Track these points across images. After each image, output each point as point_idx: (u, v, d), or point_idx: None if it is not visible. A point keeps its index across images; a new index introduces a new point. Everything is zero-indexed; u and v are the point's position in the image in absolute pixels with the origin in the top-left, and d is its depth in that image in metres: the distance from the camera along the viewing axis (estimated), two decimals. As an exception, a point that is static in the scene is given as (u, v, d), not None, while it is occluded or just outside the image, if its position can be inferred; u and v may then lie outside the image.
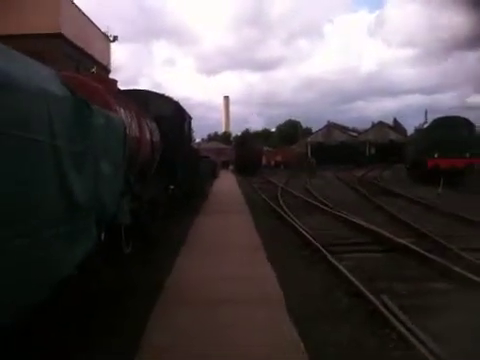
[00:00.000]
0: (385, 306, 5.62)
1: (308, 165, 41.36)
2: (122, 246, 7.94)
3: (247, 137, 62.52)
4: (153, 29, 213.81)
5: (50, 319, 4.63)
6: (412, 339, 4.64)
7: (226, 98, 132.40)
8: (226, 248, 9.72)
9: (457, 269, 7.19)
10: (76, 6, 23.64)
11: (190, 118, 17.79)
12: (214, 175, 38.68)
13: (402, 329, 4.89)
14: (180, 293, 6.55)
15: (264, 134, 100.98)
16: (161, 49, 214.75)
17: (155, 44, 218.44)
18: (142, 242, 9.07)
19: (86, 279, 5.56)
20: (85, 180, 4.98)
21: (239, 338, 4.94)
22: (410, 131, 53.16)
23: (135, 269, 7.63)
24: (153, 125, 11.51)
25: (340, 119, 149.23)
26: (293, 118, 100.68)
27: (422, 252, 8.48)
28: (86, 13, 24.91)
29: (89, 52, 24.15)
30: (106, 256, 6.56)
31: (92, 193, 5.23)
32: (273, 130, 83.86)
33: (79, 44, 22.90)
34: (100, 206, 5.64)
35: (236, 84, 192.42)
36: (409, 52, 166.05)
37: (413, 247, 8.92)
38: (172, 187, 13.18)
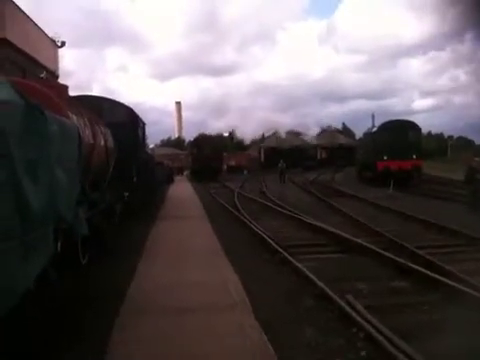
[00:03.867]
0: (351, 306, 5.66)
1: (279, 170, 36.96)
2: (79, 256, 7.69)
3: (205, 139, 52.55)
4: (106, 35, 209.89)
5: (6, 336, 4.37)
6: (380, 338, 4.68)
7: (178, 103, 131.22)
8: (187, 254, 9.57)
9: (415, 267, 7.37)
10: (22, 11, 22.82)
11: (144, 124, 17.54)
12: (169, 181, 38.26)
13: (369, 328, 4.93)
14: (143, 302, 6.35)
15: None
16: (114, 54, 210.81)
17: (108, 49, 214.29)
18: (99, 251, 8.80)
19: (43, 292, 5.30)
20: (40, 189, 4.75)
21: (207, 345, 4.83)
22: (358, 135, 54.76)
23: (94, 279, 7.38)
24: (107, 131, 11.24)
25: (292, 123, 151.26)
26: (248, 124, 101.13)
27: (380, 251, 8.66)
28: (36, 18, 24.12)
29: (36, 57, 23.35)
30: (63, 267, 6.30)
31: (48, 202, 5.00)
32: (226, 134, 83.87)
33: (25, 49, 22.09)
34: (56, 215, 5.41)
35: (190, 89, 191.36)
36: (356, 58, 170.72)
37: (371, 247, 9.09)
38: (127, 194, 12.91)
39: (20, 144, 4.28)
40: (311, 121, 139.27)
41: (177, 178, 47.45)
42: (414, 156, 27.86)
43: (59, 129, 5.72)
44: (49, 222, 5.09)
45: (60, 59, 28.92)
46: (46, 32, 26.55)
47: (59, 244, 5.96)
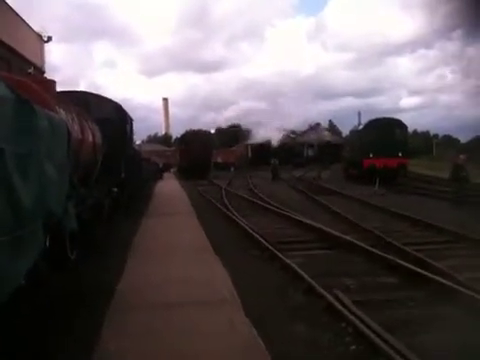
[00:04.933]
0: (339, 301, 5.73)
1: (271, 167, 35.68)
2: (67, 252, 7.64)
3: (194, 135, 48.03)
4: (94, 29, 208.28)
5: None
6: (368, 332, 4.75)
7: (165, 100, 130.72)
8: (176, 250, 9.57)
9: (402, 263, 7.46)
10: (6, 4, 22.53)
11: (131, 120, 17.45)
12: (156, 177, 38.12)
13: (358, 323, 4.99)
14: (132, 298, 6.35)
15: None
16: (102, 50, 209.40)
17: (96, 44, 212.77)
18: (88, 247, 8.76)
19: (33, 288, 5.28)
20: (30, 184, 4.73)
21: (198, 342, 4.84)
22: (345, 133, 55.08)
23: (84, 275, 7.35)
24: (95, 127, 11.16)
25: (279, 120, 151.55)
26: (235, 121, 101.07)
27: (367, 248, 8.75)
28: (23, 12, 23.85)
29: (22, 52, 23.07)
30: (52, 263, 6.28)
31: (38, 197, 4.97)
32: (212, 131, 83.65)
33: (11, 44, 21.82)
34: (46, 210, 5.39)
35: (178, 85, 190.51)
36: (345, 56, 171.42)
37: (358, 243, 9.18)
38: (115, 190, 12.85)
39: (10, 139, 4.26)
40: (299, 118, 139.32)
41: (164, 175, 47.25)
42: (400, 154, 28.07)
43: (49, 124, 5.69)
44: (39, 217, 5.07)
45: (47, 54, 28.66)
46: (33, 27, 26.29)
47: (47, 240, 5.93)
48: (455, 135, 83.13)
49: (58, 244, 6.85)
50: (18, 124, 4.53)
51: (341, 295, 5.94)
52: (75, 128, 8.66)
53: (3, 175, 3.98)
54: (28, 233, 4.67)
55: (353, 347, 4.70)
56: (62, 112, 7.95)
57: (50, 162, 5.63)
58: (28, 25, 25.61)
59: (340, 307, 5.52)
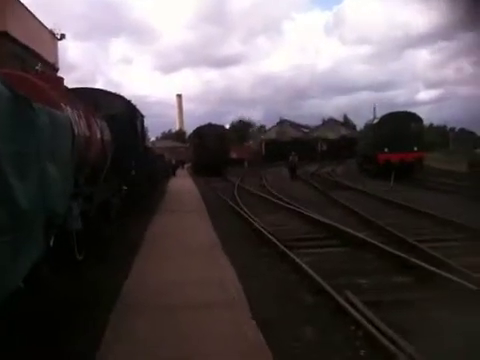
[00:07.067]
0: (349, 302, 5.51)
1: (290, 164, 31.57)
2: (74, 252, 7.54)
3: (209, 128, 43.05)
4: (111, 26, 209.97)
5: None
6: (378, 336, 4.53)
7: (179, 96, 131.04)
8: (185, 249, 9.43)
9: (417, 261, 7.21)
10: (22, 4, 22.64)
11: (142, 116, 17.37)
12: (168, 174, 38.04)
13: (368, 326, 4.78)
14: (139, 299, 6.22)
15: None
16: (118, 47, 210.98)
17: (113, 42, 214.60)
18: (96, 246, 8.67)
19: (35, 290, 5.17)
20: (29, 183, 4.59)
21: (203, 345, 4.69)
22: (360, 127, 54.45)
23: (90, 275, 7.24)
24: (103, 124, 11.07)
25: (294, 115, 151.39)
26: (248, 116, 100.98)
27: (380, 245, 8.50)
28: (41, 10, 24.06)
29: (35, 50, 23.16)
30: (56, 263, 6.17)
31: (38, 197, 4.84)
32: (227, 127, 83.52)
33: (25, 42, 21.92)
34: (48, 210, 5.26)
35: (193, 81, 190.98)
36: (362, 50, 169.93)
37: (371, 241, 8.94)
38: (125, 188, 12.75)
39: (6, 136, 4.12)
40: (315, 112, 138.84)
41: (178, 171, 47.17)
42: (416, 148, 27.62)
43: (50, 121, 5.56)
44: (39, 217, 4.94)
45: (64, 52, 28.90)
46: (47, 24, 26.43)
47: (52, 240, 5.81)
48: (472, 129, 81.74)
49: (63, 245, 6.76)
50: (15, 121, 4.39)
51: (351, 296, 5.71)
52: (82, 125, 8.56)
53: None
54: (27, 234, 4.55)
55: (363, 351, 4.49)
56: (68, 109, 7.84)
57: (52, 160, 5.50)
58: (41, 23, 25.70)
59: (350, 309, 5.30)
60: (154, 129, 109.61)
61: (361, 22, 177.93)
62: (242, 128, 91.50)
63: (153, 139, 65.50)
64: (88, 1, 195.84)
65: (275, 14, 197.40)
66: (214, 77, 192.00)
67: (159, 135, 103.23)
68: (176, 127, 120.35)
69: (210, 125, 44.18)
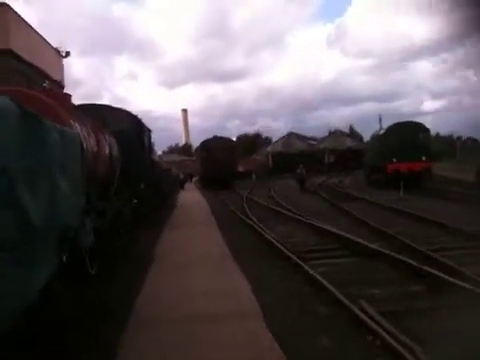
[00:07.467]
0: (365, 312, 5.46)
1: (298, 176, 31.09)
2: (87, 267, 7.55)
3: (217, 141, 42.20)
4: (116, 42, 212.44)
5: (11, 354, 4.22)
6: (396, 345, 4.48)
7: (184, 111, 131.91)
8: (196, 262, 9.40)
9: (429, 270, 7.15)
10: (25, 22, 22.96)
11: (149, 131, 17.47)
12: (176, 188, 38.09)
13: (385, 335, 4.73)
14: (153, 312, 6.20)
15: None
16: (123, 63, 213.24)
17: (117, 57, 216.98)
18: (108, 261, 8.67)
19: (49, 305, 5.16)
20: (40, 199, 4.60)
21: (219, 357, 4.65)
22: (366, 138, 54.38)
23: (103, 289, 7.23)
24: (112, 139, 11.14)
25: (300, 128, 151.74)
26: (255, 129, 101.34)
27: (393, 255, 8.44)
28: (46, 28, 24.41)
29: (41, 67, 23.42)
30: (70, 279, 6.17)
31: (49, 213, 4.84)
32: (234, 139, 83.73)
33: (30, 60, 22.18)
34: (60, 226, 5.27)
35: (198, 96, 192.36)
36: (365, 62, 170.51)
37: (384, 250, 8.87)
38: (135, 201, 12.79)
39: (16, 154, 4.14)
40: (320, 124, 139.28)
41: (186, 185, 47.22)
42: (424, 158, 27.55)
43: (60, 137, 5.59)
44: (51, 233, 4.95)
45: (69, 68, 29.21)
46: (53, 42, 26.76)
47: (65, 256, 5.81)
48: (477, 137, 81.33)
49: (76, 260, 6.76)
50: (25, 138, 4.42)
51: (366, 305, 5.66)
52: (90, 141, 8.61)
53: (8, 191, 3.85)
54: (40, 249, 4.56)
55: (381, 360, 4.43)
56: (76, 125, 7.89)
57: (63, 176, 5.52)
58: (47, 41, 26.03)
59: (366, 318, 5.24)
60: (160, 143, 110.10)
61: (362, 35, 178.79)
62: (252, 139, 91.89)
63: (160, 153, 65.64)
64: (92, 18, 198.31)
65: (278, 28, 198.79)
66: (218, 91, 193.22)
67: (166, 149, 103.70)
68: (182, 141, 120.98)
69: (217, 138, 43.52)
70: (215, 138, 43.42)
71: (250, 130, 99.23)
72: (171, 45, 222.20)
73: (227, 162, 38.37)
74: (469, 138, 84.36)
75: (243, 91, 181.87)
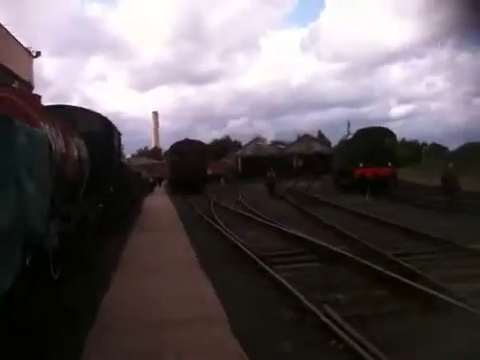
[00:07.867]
0: (329, 317, 5.57)
1: (268, 180, 31.41)
2: (51, 271, 7.44)
3: (188, 144, 41.49)
4: (87, 43, 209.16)
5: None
6: (360, 350, 4.59)
7: (155, 113, 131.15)
8: (162, 266, 9.38)
9: (393, 275, 7.33)
10: (-4, 22, 22.43)
11: (119, 134, 17.29)
12: (146, 192, 37.75)
13: (349, 340, 4.84)
14: (117, 317, 6.16)
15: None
16: (94, 63, 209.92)
17: (88, 58, 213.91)
18: (73, 265, 8.55)
19: (11, 309, 5.07)
20: (6, 201, 4.55)
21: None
22: (334, 143, 55.08)
23: (67, 294, 7.12)
24: (81, 142, 11.00)
25: (270, 132, 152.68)
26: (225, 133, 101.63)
27: (358, 259, 8.61)
28: (16, 27, 23.82)
29: (9, 67, 22.89)
30: (33, 282, 6.07)
31: (16, 216, 4.78)
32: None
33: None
34: (25, 229, 5.20)
35: (169, 99, 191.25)
36: (337, 66, 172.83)
37: (349, 255, 9.04)
38: (102, 205, 12.64)
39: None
40: (288, 129, 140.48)
41: (154, 189, 46.87)
42: (389, 163, 28.12)
43: (28, 139, 5.51)
44: (17, 236, 4.88)
45: (39, 69, 28.60)
46: (22, 42, 26.16)
47: (28, 259, 5.72)
48: (444, 143, 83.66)
49: (40, 264, 6.66)
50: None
51: (330, 310, 5.77)
52: (59, 143, 8.50)
53: None
54: (5, 252, 4.49)
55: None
56: (46, 127, 7.79)
57: (30, 179, 5.45)
58: (17, 41, 25.45)
59: (330, 323, 5.35)
60: (129, 146, 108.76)
61: (335, 39, 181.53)
62: (221, 143, 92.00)
63: (128, 156, 64.99)
64: (64, 17, 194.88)
65: (252, 31, 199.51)
66: (190, 94, 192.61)
67: (135, 152, 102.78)
68: (152, 145, 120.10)
69: (188, 141, 42.82)
70: (185, 141, 42.69)
71: (219, 134, 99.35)
72: (145, 46, 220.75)
73: (198, 165, 37.84)
74: (433, 144, 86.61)
75: (216, 94, 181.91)
